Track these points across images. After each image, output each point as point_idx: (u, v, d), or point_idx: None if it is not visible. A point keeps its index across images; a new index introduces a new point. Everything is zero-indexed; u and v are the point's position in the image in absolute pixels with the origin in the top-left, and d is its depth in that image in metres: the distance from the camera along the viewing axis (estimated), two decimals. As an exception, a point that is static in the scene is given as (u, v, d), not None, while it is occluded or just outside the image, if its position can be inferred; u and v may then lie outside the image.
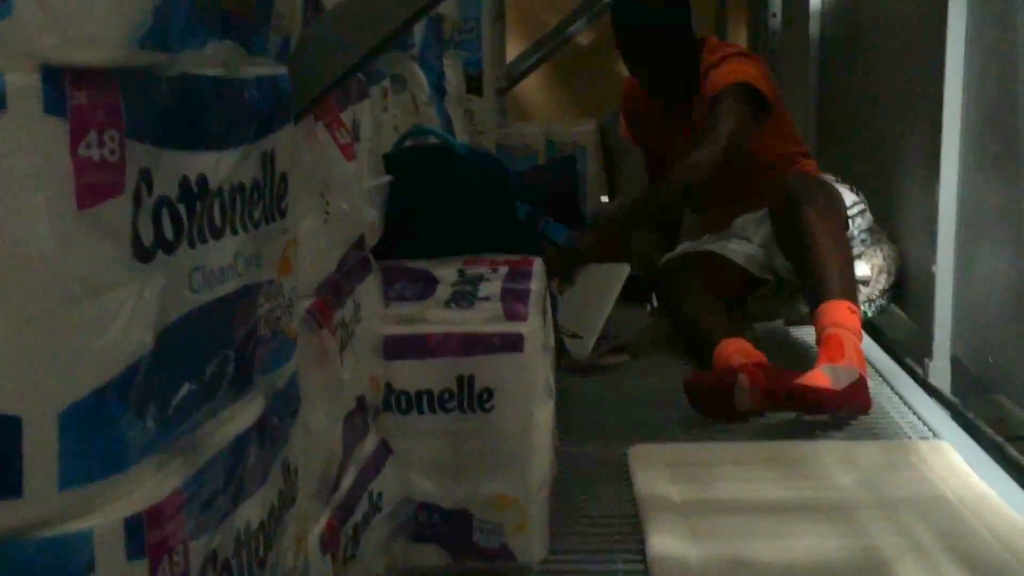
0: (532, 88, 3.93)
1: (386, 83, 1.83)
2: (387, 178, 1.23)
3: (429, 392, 1.29)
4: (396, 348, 1.28)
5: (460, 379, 1.28)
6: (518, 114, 3.78)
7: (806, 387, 1.73)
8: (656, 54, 2.32)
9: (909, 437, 1.72)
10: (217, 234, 0.63)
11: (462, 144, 1.98)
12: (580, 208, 2.84)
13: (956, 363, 1.92)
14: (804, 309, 2.29)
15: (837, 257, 1.92)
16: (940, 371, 1.93)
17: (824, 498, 1.46)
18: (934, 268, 1.93)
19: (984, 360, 1.81)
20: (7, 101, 0.47)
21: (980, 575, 1.22)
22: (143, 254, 0.55)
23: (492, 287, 1.43)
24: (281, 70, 0.75)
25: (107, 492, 0.53)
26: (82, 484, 0.51)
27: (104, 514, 0.52)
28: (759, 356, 1.89)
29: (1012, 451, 1.63)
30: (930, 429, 1.75)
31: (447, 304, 1.37)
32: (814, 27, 3.03)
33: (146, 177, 0.55)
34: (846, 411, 1.77)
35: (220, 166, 0.63)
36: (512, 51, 3.57)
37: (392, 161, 1.43)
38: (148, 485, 0.56)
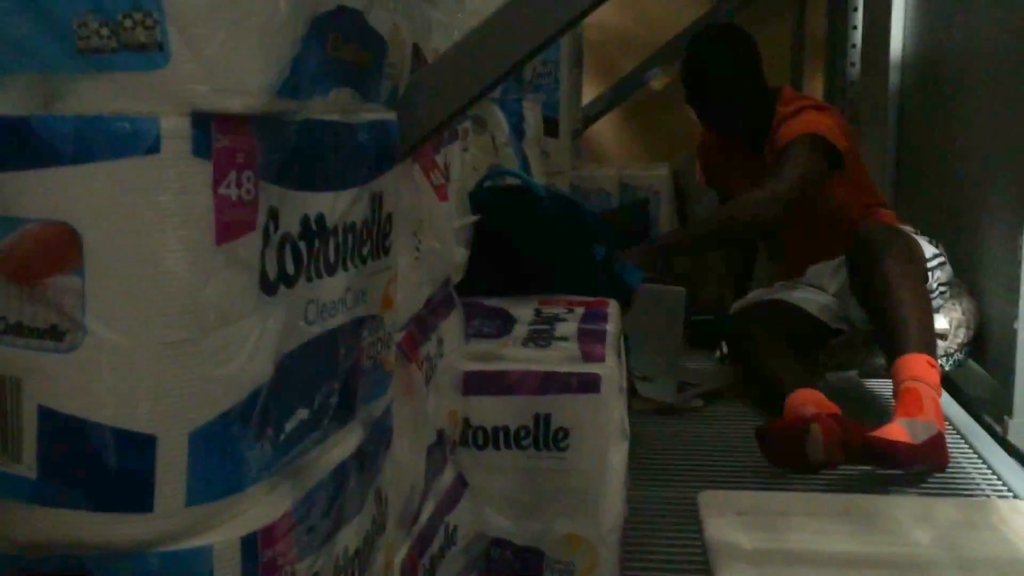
0: (606, 131, 3.96)
1: (467, 124, 1.88)
2: (474, 217, 1.27)
3: (506, 428, 1.31)
4: (475, 384, 1.31)
5: (537, 417, 1.30)
6: (592, 156, 3.82)
7: (883, 440, 1.70)
8: (723, 99, 2.35)
9: (988, 496, 1.69)
10: (331, 270, 0.66)
11: (541, 185, 2.01)
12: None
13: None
14: (879, 361, 2.26)
15: (916, 309, 1.90)
16: (1021, 429, 1.89)
17: (900, 555, 1.43)
18: (1016, 324, 1.89)
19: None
20: (161, 143, 0.51)
21: (1063, 641, 1.19)
22: (268, 287, 0.59)
23: (569, 327, 1.46)
24: (391, 116, 0.79)
25: (226, 511, 0.56)
26: (206, 502, 0.54)
27: (223, 531, 0.55)
28: (832, 407, 1.88)
29: (1095, 515, 1.59)
30: (1009, 489, 1.71)
31: (525, 343, 1.40)
32: (894, 77, 3.01)
33: (274, 215, 0.59)
34: (923, 467, 1.74)
35: (336, 206, 0.67)
36: (588, 94, 3.62)
37: (475, 200, 1.47)
38: (262, 506, 0.59)
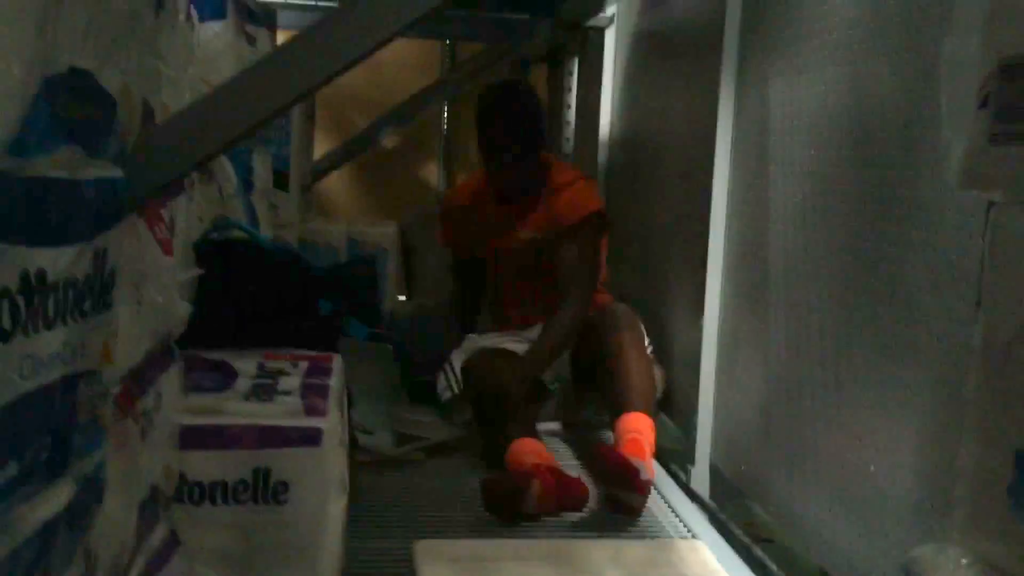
0: (335, 186, 4.01)
1: (193, 174, 1.86)
2: (198, 271, 1.27)
3: (224, 483, 1.30)
4: (192, 438, 1.29)
5: (256, 471, 1.31)
6: (320, 210, 3.84)
7: (627, 460, 1.89)
8: (529, 145, 2.44)
9: (671, 537, 1.88)
10: (49, 325, 0.66)
11: (267, 238, 2.02)
12: (378, 307, 2.91)
13: (714, 470, 2.12)
14: (580, 415, 2.48)
15: (644, 376, 2.16)
16: (700, 477, 2.13)
17: (594, 593, 1.57)
18: (697, 388, 2.14)
19: (737, 468, 2.01)
20: None
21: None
22: (-17, 342, 0.58)
23: (292, 381, 1.48)
24: (118, 172, 0.79)
25: (-75, 570, 0.54)
26: (-98, 561, 0.53)
27: (-80, 592, 0.54)
28: (550, 458, 2.03)
29: (758, 551, 1.82)
30: (689, 530, 1.91)
31: (247, 397, 1.40)
32: (602, 154, 3.30)
33: (-9, 270, 0.59)
34: (637, 500, 1.93)
35: (58, 262, 0.67)
36: (319, 149, 3.66)
37: (199, 251, 1.46)
38: (-36, 565, 0.57)
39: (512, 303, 2.61)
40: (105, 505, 0.89)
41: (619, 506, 1.95)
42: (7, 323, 0.61)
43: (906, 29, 1.38)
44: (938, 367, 1.27)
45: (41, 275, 0.65)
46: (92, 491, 0.79)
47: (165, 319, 1.09)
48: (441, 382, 2.56)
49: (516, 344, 2.46)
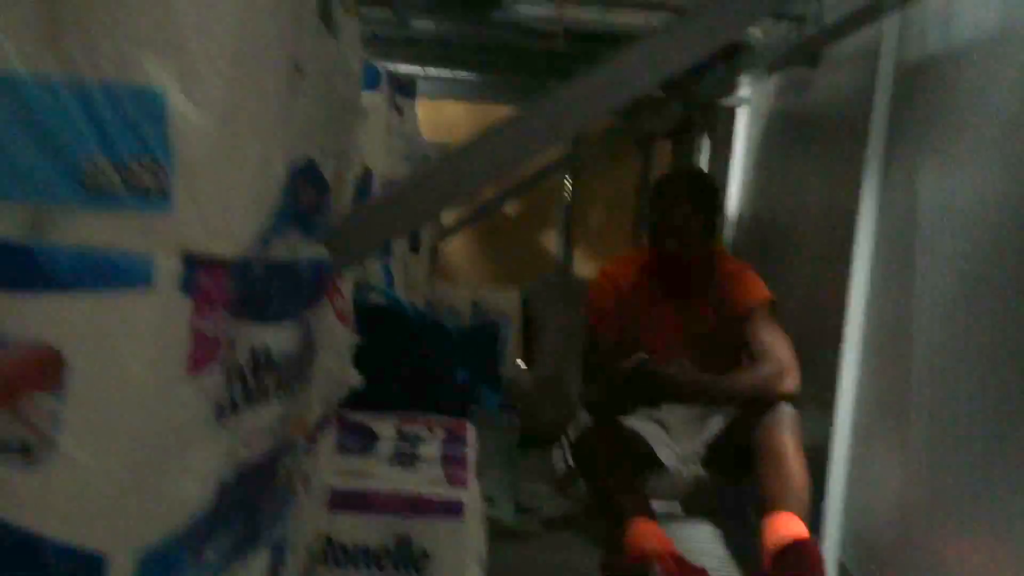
0: (457, 250, 4.10)
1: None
2: (359, 338, 1.31)
3: (367, 548, 1.33)
4: (341, 501, 1.32)
5: (399, 538, 1.33)
6: (441, 274, 3.93)
7: (817, 550, 1.89)
8: (710, 232, 2.46)
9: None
10: (268, 399, 0.70)
11: (409, 304, 2.07)
12: (499, 372, 2.93)
13: (843, 570, 2.04)
14: (699, 499, 2.43)
15: (806, 487, 2.09)
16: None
17: None
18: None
19: (869, 569, 1.94)
20: (154, 279, 0.55)
21: None
22: (220, 414, 0.62)
23: (431, 449, 1.50)
24: (324, 252, 0.84)
25: (162, 631, 0.58)
26: (145, 622, 0.56)
27: (158, 652, 0.57)
28: (670, 544, 1.99)
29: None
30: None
31: (391, 461, 1.43)
32: (729, 232, 3.28)
33: (232, 346, 0.63)
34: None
35: (279, 337, 0.71)
36: (444, 217, 3.75)
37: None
38: (191, 627, 0.60)
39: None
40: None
41: None
42: (239, 397, 0.65)
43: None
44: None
45: (266, 351, 0.69)
46: (281, 556, 0.82)
47: (339, 387, 1.13)
48: (556, 455, 2.56)
49: (635, 421, 2.44)
